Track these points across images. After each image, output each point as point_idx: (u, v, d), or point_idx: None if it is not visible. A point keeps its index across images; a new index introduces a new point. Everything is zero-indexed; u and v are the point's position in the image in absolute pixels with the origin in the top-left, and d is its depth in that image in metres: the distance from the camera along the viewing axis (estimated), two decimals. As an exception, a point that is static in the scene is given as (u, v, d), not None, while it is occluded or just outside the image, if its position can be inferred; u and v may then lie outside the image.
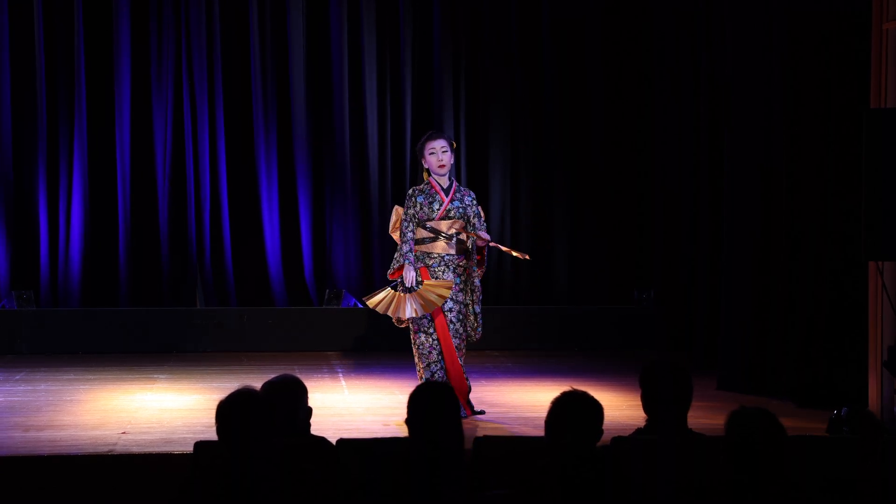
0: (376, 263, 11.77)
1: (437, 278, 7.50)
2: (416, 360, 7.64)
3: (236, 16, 11.63)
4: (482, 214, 7.75)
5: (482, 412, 7.64)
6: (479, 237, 7.55)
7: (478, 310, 7.62)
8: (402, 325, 7.65)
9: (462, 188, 7.71)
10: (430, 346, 7.54)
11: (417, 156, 7.79)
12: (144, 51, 11.44)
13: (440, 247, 7.56)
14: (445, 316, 7.49)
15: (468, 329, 7.62)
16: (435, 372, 7.53)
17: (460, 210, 7.58)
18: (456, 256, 7.57)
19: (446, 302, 7.47)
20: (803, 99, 8.26)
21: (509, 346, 11.03)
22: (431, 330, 7.53)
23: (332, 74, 11.71)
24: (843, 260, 7.94)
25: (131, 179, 11.45)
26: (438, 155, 7.59)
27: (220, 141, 11.58)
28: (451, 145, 7.68)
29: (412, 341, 7.64)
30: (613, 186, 11.88)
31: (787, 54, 8.39)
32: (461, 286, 7.59)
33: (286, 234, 11.70)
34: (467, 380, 7.57)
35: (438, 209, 7.55)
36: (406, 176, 11.87)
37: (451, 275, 7.53)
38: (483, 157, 11.95)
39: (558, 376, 9.23)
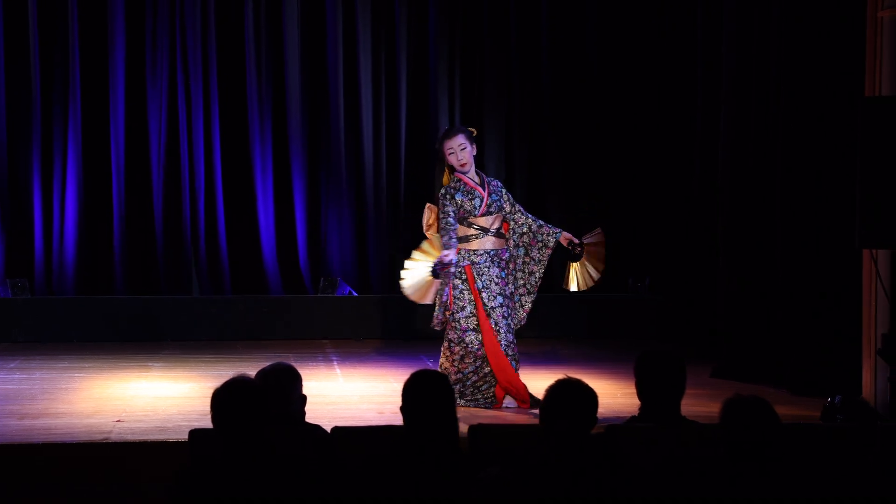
0: (371, 251, 11.79)
1: (482, 276, 7.37)
2: (446, 361, 7.49)
3: (232, 4, 11.61)
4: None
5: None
6: (566, 237, 7.50)
7: (526, 301, 7.55)
8: (439, 328, 7.52)
9: (489, 178, 7.60)
10: (480, 344, 7.38)
11: (438, 157, 7.68)
12: (139, 38, 11.43)
13: (489, 243, 7.43)
14: (492, 314, 7.34)
15: (514, 319, 7.54)
16: (468, 375, 7.42)
17: (498, 204, 7.49)
18: (501, 251, 7.47)
19: (496, 298, 7.36)
20: (799, 87, 8.26)
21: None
22: (479, 328, 7.38)
23: (328, 62, 11.70)
24: (838, 248, 7.95)
25: (126, 168, 11.45)
26: (458, 154, 7.45)
27: (215, 129, 11.57)
28: (469, 138, 7.50)
29: (449, 341, 7.46)
30: (609, 174, 11.88)
31: (783, 42, 8.39)
32: (507, 279, 7.48)
33: (281, 223, 11.69)
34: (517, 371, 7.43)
35: (480, 205, 7.42)
36: (401, 164, 11.87)
37: (496, 269, 7.40)
38: (479, 148, 11.89)
39: (553, 364, 9.23)
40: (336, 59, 11.69)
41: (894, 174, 6.83)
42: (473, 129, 7.68)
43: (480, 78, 11.95)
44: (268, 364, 4.82)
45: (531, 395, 7.40)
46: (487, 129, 11.92)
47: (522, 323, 7.64)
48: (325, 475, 3.98)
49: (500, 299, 7.37)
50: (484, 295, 7.36)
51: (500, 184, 7.63)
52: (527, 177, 12.02)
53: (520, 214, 7.57)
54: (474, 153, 7.54)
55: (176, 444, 6.09)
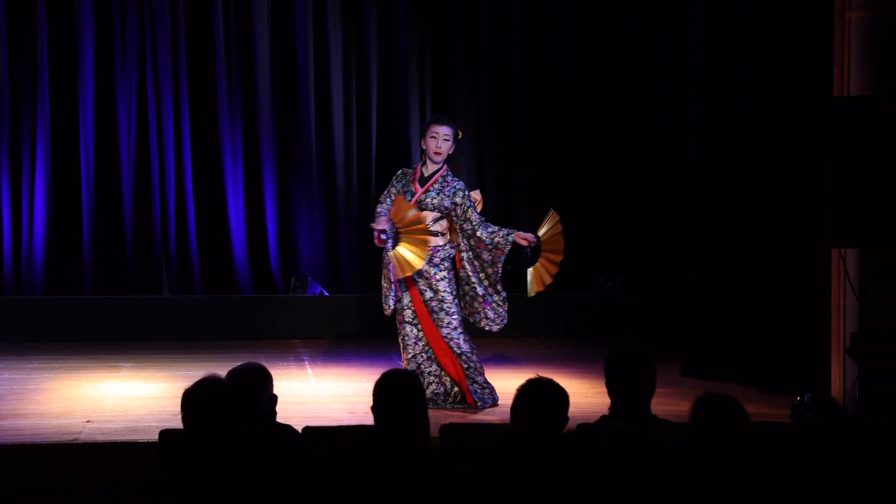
0: (342, 250, 11.77)
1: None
2: (402, 350, 7.56)
3: (201, 2, 11.57)
4: (475, 203, 7.48)
5: (487, 405, 7.53)
6: (520, 237, 7.41)
7: (481, 292, 7.47)
8: (388, 314, 7.52)
9: (452, 180, 7.43)
10: (416, 337, 7.45)
11: (420, 135, 7.60)
12: (108, 37, 11.37)
13: None
14: (427, 306, 7.39)
15: (476, 317, 7.53)
16: (420, 363, 7.46)
17: (435, 202, 7.35)
18: (433, 249, 7.38)
19: (425, 292, 7.36)
20: (766, 86, 8.30)
21: (474, 332, 10.99)
22: (417, 321, 7.44)
23: (298, 61, 11.68)
24: (807, 247, 7.99)
25: (95, 167, 11.39)
26: (439, 141, 7.38)
27: (185, 129, 11.53)
28: (454, 134, 7.46)
29: (398, 332, 7.54)
30: (578, 172, 11.90)
31: (750, 41, 8.43)
32: (447, 277, 7.40)
33: (251, 222, 11.66)
34: (466, 368, 7.42)
35: (410, 200, 7.34)
36: (372, 163, 11.86)
37: (425, 266, 7.32)
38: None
39: (523, 363, 9.25)
40: (306, 58, 11.67)
41: (862, 174, 6.88)
42: (461, 133, 7.65)
43: (451, 76, 11.95)
44: (239, 364, 4.80)
45: (473, 394, 7.44)
46: (459, 126, 11.89)
47: (492, 324, 7.57)
48: (295, 475, 3.97)
49: (429, 293, 7.37)
50: (420, 286, 7.38)
51: (458, 189, 7.40)
52: (496, 174, 12.03)
53: (469, 224, 7.40)
54: (450, 151, 7.51)
55: (146, 445, 6.08)
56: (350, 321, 11.04)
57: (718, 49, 8.87)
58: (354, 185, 11.79)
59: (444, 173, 7.46)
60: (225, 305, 11.19)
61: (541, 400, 3.97)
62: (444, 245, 7.43)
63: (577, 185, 11.89)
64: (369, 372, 8.77)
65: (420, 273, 7.33)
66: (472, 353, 7.46)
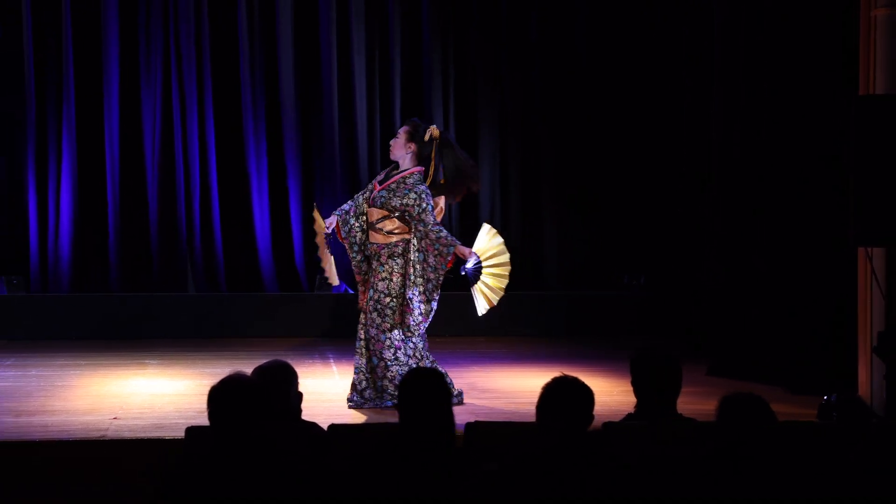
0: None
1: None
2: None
3: (225, 3, 11.60)
4: (430, 208, 7.40)
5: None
6: (461, 251, 7.30)
7: (424, 307, 7.38)
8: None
9: (412, 183, 7.42)
10: (358, 326, 7.56)
11: None
12: (133, 37, 11.42)
13: (370, 236, 7.52)
14: (367, 303, 7.46)
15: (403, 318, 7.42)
16: (356, 354, 7.52)
17: (384, 200, 7.42)
18: (377, 246, 7.45)
19: (368, 290, 7.47)
20: (790, 85, 8.27)
21: (499, 331, 11.04)
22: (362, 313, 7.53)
23: (321, 59, 11.70)
24: (833, 245, 7.96)
25: (120, 165, 11.44)
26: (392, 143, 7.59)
27: (209, 127, 11.57)
28: (407, 132, 7.52)
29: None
30: (603, 171, 11.89)
31: (774, 40, 8.40)
32: (388, 278, 7.41)
33: (276, 220, 11.69)
34: (372, 367, 7.43)
35: (369, 197, 7.55)
36: (395, 162, 11.87)
37: (374, 262, 7.47)
38: (472, 141, 11.95)
39: (549, 362, 9.24)
40: (330, 56, 11.68)
41: (888, 172, 6.84)
42: (432, 128, 7.60)
43: (473, 72, 11.95)
44: (264, 361, 4.82)
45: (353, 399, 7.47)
46: (482, 122, 11.96)
47: (412, 326, 7.39)
48: (321, 472, 3.98)
49: (370, 291, 7.43)
50: (370, 281, 7.50)
51: (413, 192, 7.38)
52: (520, 168, 12.03)
53: (422, 225, 7.37)
54: (410, 150, 7.52)
55: (172, 442, 6.10)
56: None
57: (737, 42, 8.85)
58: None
59: (407, 176, 7.48)
60: (250, 303, 11.21)
61: (566, 398, 3.96)
62: (389, 244, 7.44)
63: (600, 179, 11.88)
64: (394, 370, 8.76)
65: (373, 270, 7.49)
66: (394, 363, 7.37)
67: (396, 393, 7.28)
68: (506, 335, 11.01)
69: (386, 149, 11.75)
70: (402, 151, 7.54)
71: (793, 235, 8.27)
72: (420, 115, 11.84)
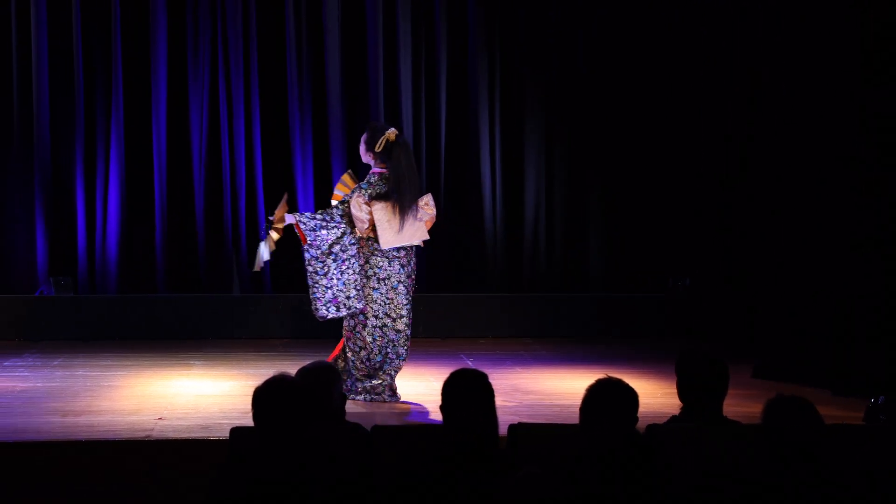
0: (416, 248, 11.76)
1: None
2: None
3: (273, 3, 11.65)
4: (344, 202, 7.82)
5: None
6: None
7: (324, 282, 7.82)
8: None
9: (365, 179, 7.78)
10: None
11: None
12: (181, 37, 11.49)
13: None
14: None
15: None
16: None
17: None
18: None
19: None
20: (808, 85, 8.22)
21: (544, 333, 11.02)
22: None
23: (368, 61, 11.72)
24: (880, 248, 7.88)
25: (167, 166, 11.51)
26: None
27: (256, 127, 11.62)
28: (363, 139, 7.77)
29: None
30: (648, 174, 11.84)
31: (792, 41, 8.35)
32: (346, 268, 7.84)
33: (321, 221, 11.69)
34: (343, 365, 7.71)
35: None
36: (441, 160, 11.87)
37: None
38: (518, 145, 11.95)
39: (593, 364, 9.21)
40: (376, 58, 11.70)
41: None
42: (387, 133, 7.71)
43: (519, 74, 11.93)
44: (308, 362, 4.83)
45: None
46: (527, 123, 11.94)
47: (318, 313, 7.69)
48: (364, 473, 3.98)
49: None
50: None
51: (351, 192, 7.81)
52: (565, 171, 12.01)
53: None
54: (369, 157, 7.78)
55: (217, 442, 6.13)
56: (417, 320, 11.04)
57: (755, 43, 8.80)
58: (423, 185, 11.80)
59: (369, 174, 7.78)
60: (295, 304, 11.24)
61: (610, 400, 3.95)
62: (342, 236, 7.88)
63: (647, 185, 11.83)
64: (437, 371, 8.78)
65: None
66: (357, 360, 7.66)
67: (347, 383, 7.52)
68: (550, 337, 10.99)
69: (432, 149, 11.87)
70: (364, 157, 7.85)
71: (837, 238, 8.20)
72: (465, 115, 11.86)
